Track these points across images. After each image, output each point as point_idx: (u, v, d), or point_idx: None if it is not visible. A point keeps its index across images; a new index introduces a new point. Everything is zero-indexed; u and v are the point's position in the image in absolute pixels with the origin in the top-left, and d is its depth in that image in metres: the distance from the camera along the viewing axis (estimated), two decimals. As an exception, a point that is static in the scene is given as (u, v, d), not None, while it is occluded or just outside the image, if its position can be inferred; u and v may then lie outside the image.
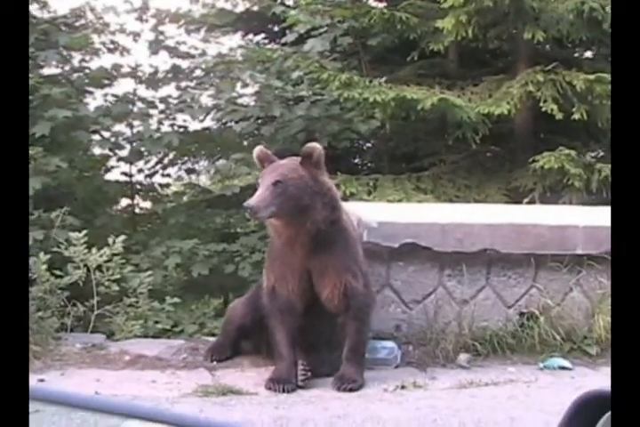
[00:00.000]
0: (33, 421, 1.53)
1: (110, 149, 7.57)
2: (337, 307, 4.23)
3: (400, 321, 4.86)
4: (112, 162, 7.82)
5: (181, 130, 7.58)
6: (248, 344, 4.70)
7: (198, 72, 7.97)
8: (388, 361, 4.61)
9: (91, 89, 7.63)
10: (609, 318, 4.68)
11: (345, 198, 6.30)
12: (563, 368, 4.63)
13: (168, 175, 8.61)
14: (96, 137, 7.43)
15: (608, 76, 6.78)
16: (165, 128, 7.40)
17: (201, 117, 8.04)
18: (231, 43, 9.76)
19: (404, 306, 4.89)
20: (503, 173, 8.05)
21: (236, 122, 7.88)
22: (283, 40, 8.25)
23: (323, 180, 4.16)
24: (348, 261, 4.24)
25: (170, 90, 7.71)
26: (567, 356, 4.76)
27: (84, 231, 5.37)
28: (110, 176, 7.92)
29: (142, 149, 7.42)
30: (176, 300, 5.94)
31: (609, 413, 1.41)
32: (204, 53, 8.09)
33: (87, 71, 7.60)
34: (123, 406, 1.42)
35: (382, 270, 4.85)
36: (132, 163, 7.70)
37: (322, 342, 4.36)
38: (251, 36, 10.36)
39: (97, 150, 7.77)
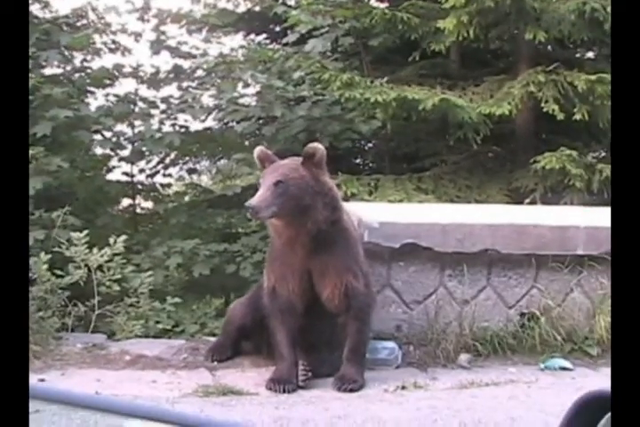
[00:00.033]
0: (33, 421, 1.53)
1: (112, 149, 7.59)
2: (337, 307, 4.23)
3: (401, 321, 4.86)
4: (113, 162, 7.83)
5: (183, 130, 7.58)
6: (248, 344, 4.70)
7: (200, 72, 7.97)
8: (389, 361, 4.61)
9: (92, 89, 7.64)
10: (610, 319, 4.68)
11: (346, 199, 6.30)
12: (563, 369, 4.63)
13: (169, 175, 8.62)
14: (97, 137, 7.44)
15: (609, 77, 6.77)
16: (167, 128, 7.40)
17: (202, 117, 8.05)
18: (232, 43, 9.78)
19: (404, 306, 4.89)
20: (504, 174, 8.05)
21: (238, 122, 7.88)
22: (284, 40, 8.25)
23: (324, 180, 4.16)
24: (349, 262, 4.24)
25: (171, 90, 7.72)
26: (568, 356, 4.76)
27: (86, 231, 5.37)
28: (111, 176, 7.93)
29: (144, 148, 7.42)
30: (177, 300, 5.95)
31: (610, 413, 1.41)
32: (205, 53, 8.09)
33: (89, 71, 7.61)
34: (124, 405, 1.42)
35: (383, 271, 4.85)
36: (133, 163, 7.70)
37: (322, 342, 4.36)
38: (252, 36, 10.38)
39: (98, 150, 7.79)
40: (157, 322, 5.77)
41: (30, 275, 4.90)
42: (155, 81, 7.65)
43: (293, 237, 4.13)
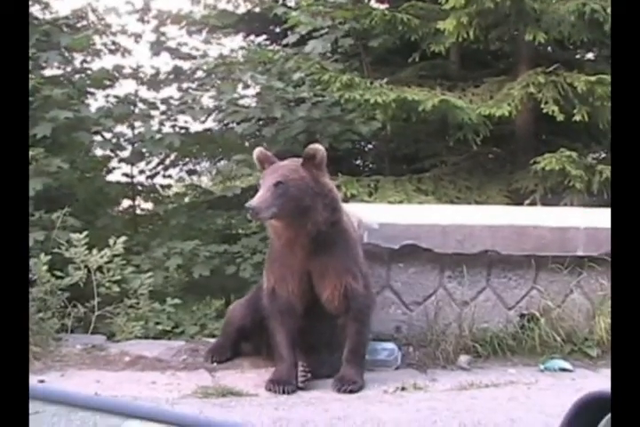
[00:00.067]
0: (33, 422, 1.53)
1: (111, 150, 7.58)
2: (337, 308, 4.23)
3: (400, 323, 4.86)
4: (113, 163, 7.83)
5: (183, 131, 7.58)
6: (248, 345, 4.70)
7: (199, 73, 7.98)
8: (389, 363, 4.60)
9: (92, 90, 7.64)
10: (610, 320, 4.68)
11: (346, 200, 6.30)
12: (563, 370, 4.63)
13: (169, 176, 8.62)
14: (97, 138, 7.44)
15: (609, 78, 6.78)
16: (167, 129, 7.40)
17: (202, 119, 8.05)
18: (232, 44, 9.80)
19: (404, 307, 4.88)
20: (504, 175, 8.06)
21: (238, 123, 7.88)
22: (284, 41, 8.26)
23: (324, 181, 4.15)
24: (349, 263, 4.23)
25: (171, 91, 7.72)
26: (568, 357, 4.76)
27: (85, 232, 5.37)
28: (111, 177, 7.93)
29: (143, 150, 7.42)
30: (177, 301, 5.95)
31: (610, 414, 1.41)
32: (205, 55, 8.09)
33: (89, 72, 7.61)
34: (123, 405, 1.42)
35: (383, 272, 4.85)
36: (133, 164, 7.70)
37: (322, 343, 4.36)
38: (252, 37, 10.38)
39: (98, 151, 7.80)
40: (157, 323, 5.77)
41: (30, 276, 4.90)
42: (155, 82, 7.65)
43: (293, 238, 4.13)
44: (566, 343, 4.83)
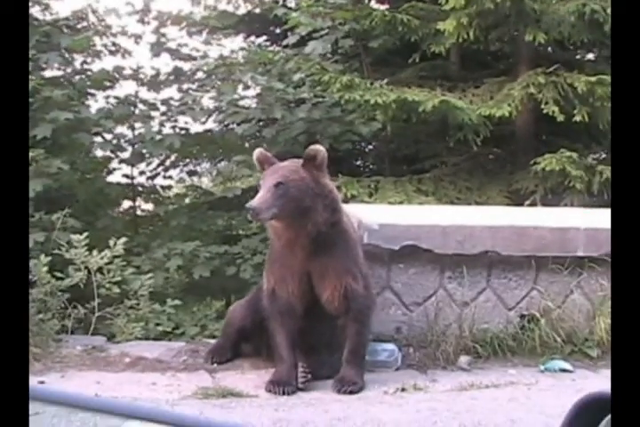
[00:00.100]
0: (33, 423, 1.53)
1: (112, 151, 7.58)
2: (337, 309, 4.23)
3: (400, 323, 4.86)
4: (114, 164, 7.83)
5: (183, 132, 7.58)
6: (248, 346, 4.70)
7: (200, 74, 7.98)
8: (389, 363, 4.60)
9: (92, 91, 7.64)
10: (610, 321, 4.68)
11: (346, 200, 6.31)
12: (563, 371, 4.62)
13: (170, 177, 8.61)
14: (98, 139, 7.43)
15: (609, 78, 6.78)
16: (167, 130, 7.41)
17: (202, 119, 8.05)
18: (233, 45, 9.80)
19: (404, 308, 4.88)
20: (504, 176, 8.06)
21: (238, 124, 7.89)
22: (284, 42, 8.26)
23: (324, 182, 4.15)
24: (349, 264, 4.23)
25: (171, 92, 7.72)
26: (568, 358, 4.76)
27: (86, 233, 5.37)
28: (112, 178, 7.93)
29: (144, 151, 7.43)
30: (177, 302, 5.95)
31: (610, 415, 1.41)
32: (205, 56, 8.09)
33: (89, 73, 7.61)
34: (123, 406, 1.42)
35: (383, 273, 4.85)
36: (133, 165, 7.70)
37: (322, 344, 4.35)
38: (252, 38, 10.39)
39: (98, 152, 7.80)
40: (157, 324, 5.77)
41: (30, 277, 4.90)
42: (155, 83, 7.65)
43: (293, 238, 4.13)
44: (566, 344, 4.83)
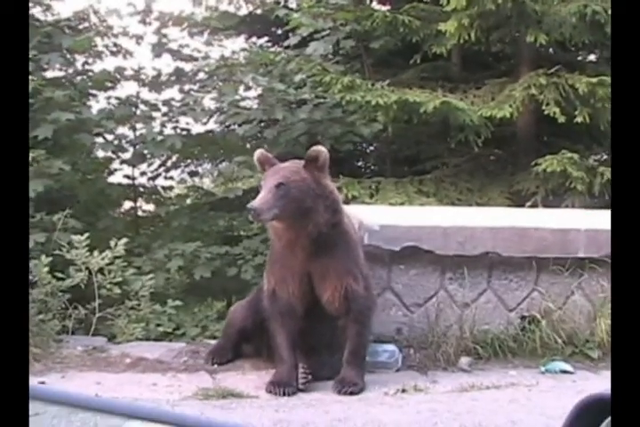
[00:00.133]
0: (33, 423, 1.53)
1: (113, 152, 7.59)
2: (338, 310, 4.22)
3: (401, 324, 4.86)
4: (115, 164, 7.83)
5: (184, 133, 7.59)
6: (249, 347, 4.70)
7: (201, 75, 7.98)
8: (389, 364, 4.60)
9: (94, 92, 7.65)
10: (610, 322, 4.67)
11: (347, 201, 6.31)
12: (564, 372, 4.62)
13: (171, 178, 8.62)
14: (99, 140, 7.44)
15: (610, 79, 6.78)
16: (168, 131, 7.41)
17: (204, 120, 8.05)
18: (234, 46, 9.82)
19: (405, 309, 4.88)
20: (505, 177, 8.06)
21: (239, 125, 7.90)
22: (285, 43, 8.28)
23: (325, 182, 4.15)
24: (349, 264, 4.23)
25: (173, 93, 7.73)
26: (569, 359, 4.76)
27: (87, 234, 5.38)
28: (113, 179, 7.94)
29: (145, 151, 7.43)
30: (178, 303, 5.95)
31: (610, 417, 1.41)
32: (206, 56, 8.10)
33: (90, 74, 7.62)
34: (124, 406, 1.42)
35: (383, 273, 4.85)
36: (134, 165, 7.71)
37: (322, 344, 4.35)
38: (254, 39, 10.41)
39: (100, 153, 7.80)
40: (158, 325, 5.77)
41: (31, 278, 4.91)
42: (156, 84, 7.65)
43: (294, 239, 4.13)
44: (567, 345, 4.82)
